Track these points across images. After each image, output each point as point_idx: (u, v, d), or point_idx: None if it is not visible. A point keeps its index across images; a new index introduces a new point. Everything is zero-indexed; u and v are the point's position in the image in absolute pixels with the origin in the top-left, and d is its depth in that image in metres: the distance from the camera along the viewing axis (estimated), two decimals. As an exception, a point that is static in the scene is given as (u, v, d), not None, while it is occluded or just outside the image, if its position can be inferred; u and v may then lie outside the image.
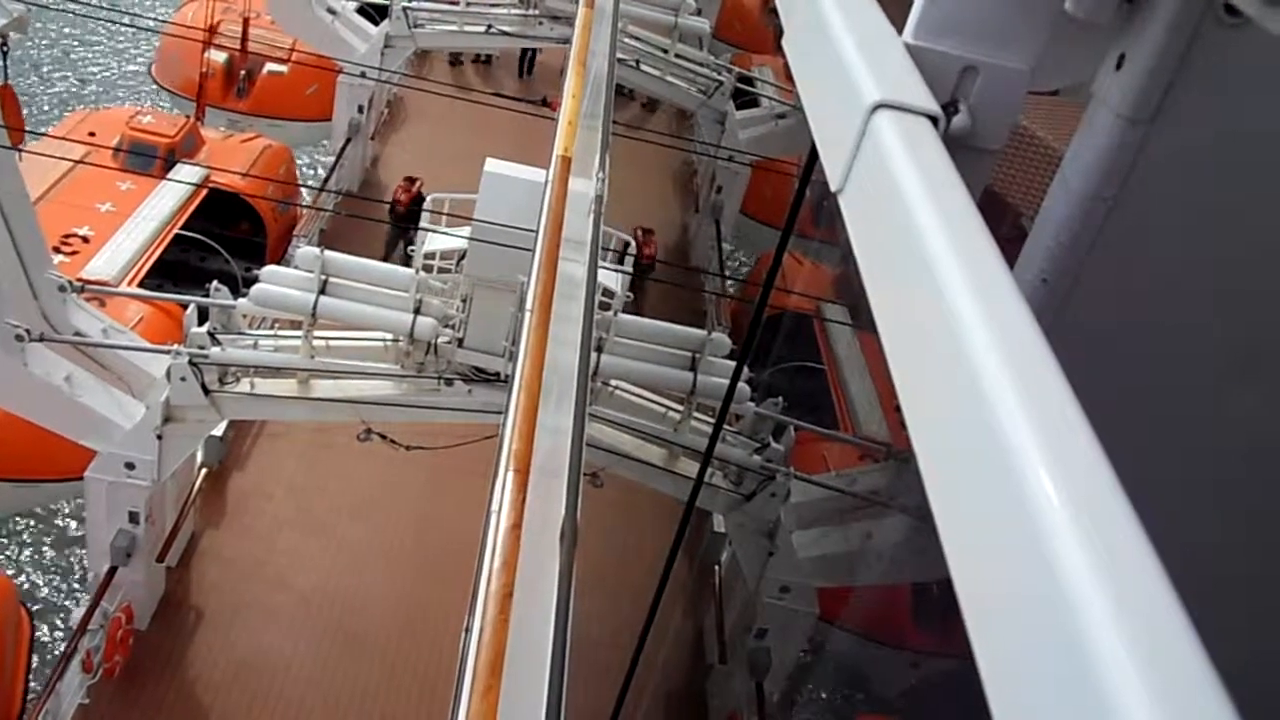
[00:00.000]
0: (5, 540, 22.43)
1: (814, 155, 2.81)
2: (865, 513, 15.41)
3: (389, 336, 14.24)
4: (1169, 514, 1.85)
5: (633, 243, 14.95)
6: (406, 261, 16.83)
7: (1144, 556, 1.36)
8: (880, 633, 19.40)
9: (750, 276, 29.50)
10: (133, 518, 15.06)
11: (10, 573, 21.49)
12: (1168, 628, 1.27)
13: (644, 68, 27.12)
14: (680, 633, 18.10)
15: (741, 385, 14.57)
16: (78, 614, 15.24)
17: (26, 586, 21.17)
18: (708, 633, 18.03)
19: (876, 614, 19.17)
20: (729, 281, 28.15)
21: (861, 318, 22.43)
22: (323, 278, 13.94)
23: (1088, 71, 3.01)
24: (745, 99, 29.37)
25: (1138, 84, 2.76)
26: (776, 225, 27.15)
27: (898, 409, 1.94)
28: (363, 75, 25.85)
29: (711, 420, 15.29)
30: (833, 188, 2.52)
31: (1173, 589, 1.32)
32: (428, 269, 14.26)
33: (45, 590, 21.60)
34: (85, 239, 21.63)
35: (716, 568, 18.72)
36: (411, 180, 24.84)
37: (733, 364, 14.73)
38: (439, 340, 13.95)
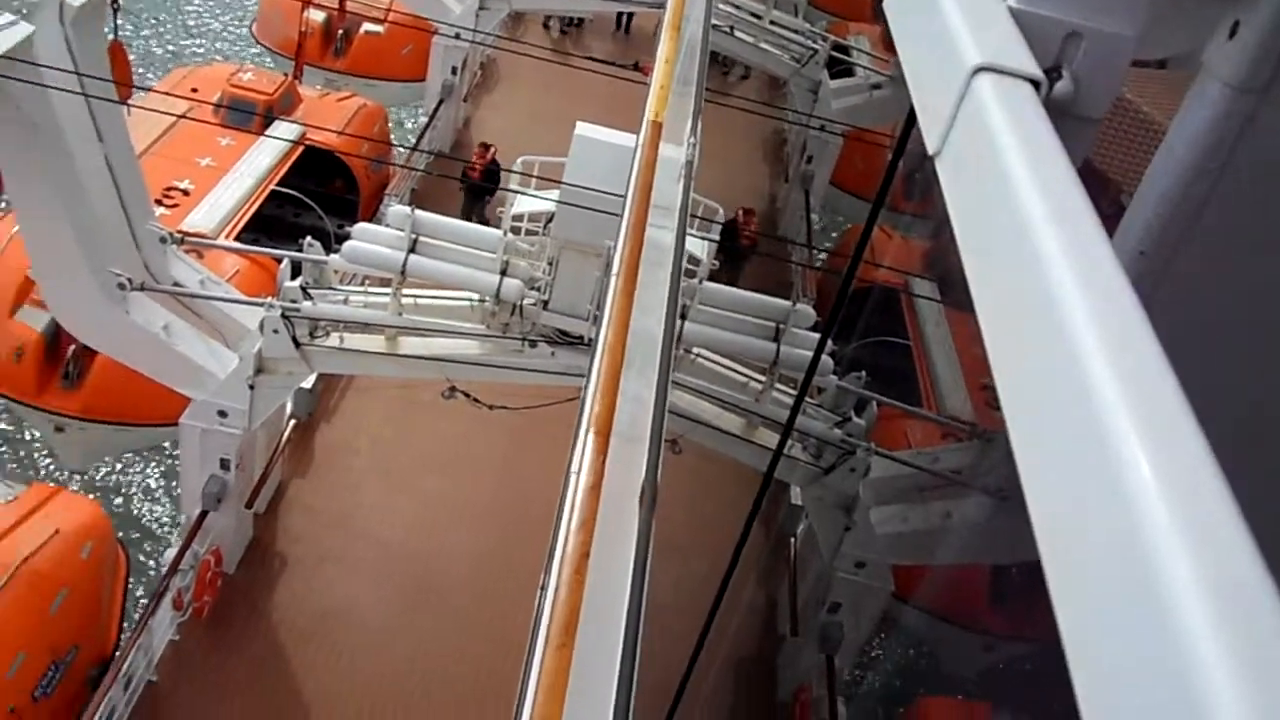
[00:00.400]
0: (118, 469, 23.27)
1: (910, 121, 2.75)
2: (945, 492, 15.23)
3: (475, 297, 14.36)
4: (1266, 497, 1.79)
5: (720, 210, 14.86)
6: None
7: (1241, 544, 1.32)
8: (955, 614, 19.22)
9: (838, 248, 29.20)
10: (224, 464, 15.47)
11: (118, 501, 22.32)
12: (1265, 618, 1.23)
13: (738, 34, 26.88)
14: (753, 602, 18.12)
15: (824, 358, 14.45)
16: (170, 554, 15.71)
17: (134, 514, 21.97)
18: (780, 604, 18.03)
19: (952, 594, 18.99)
20: (816, 253, 27.90)
21: (951, 294, 22.09)
22: (413, 236, 14.09)
23: (1196, 40, 2.91)
24: (840, 68, 28.96)
25: (1250, 54, 2.66)
26: (867, 197, 26.82)
27: (984, 387, 1.90)
28: (457, 36, 25.97)
29: (792, 392, 15.20)
30: (930, 150, 2.47)
31: (1270, 579, 1.27)
32: (515, 231, 14.33)
33: (147, 520, 22.41)
34: (186, 192, 22.10)
35: (792, 540, 18.68)
36: (486, 147, 24.90)
37: (816, 336, 14.62)
38: (524, 302, 14.04)
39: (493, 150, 24.57)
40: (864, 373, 15.62)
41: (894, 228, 24.81)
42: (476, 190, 23.98)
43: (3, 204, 20.08)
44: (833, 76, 28.14)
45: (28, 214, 13.67)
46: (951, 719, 17.10)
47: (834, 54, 28.15)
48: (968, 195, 2.29)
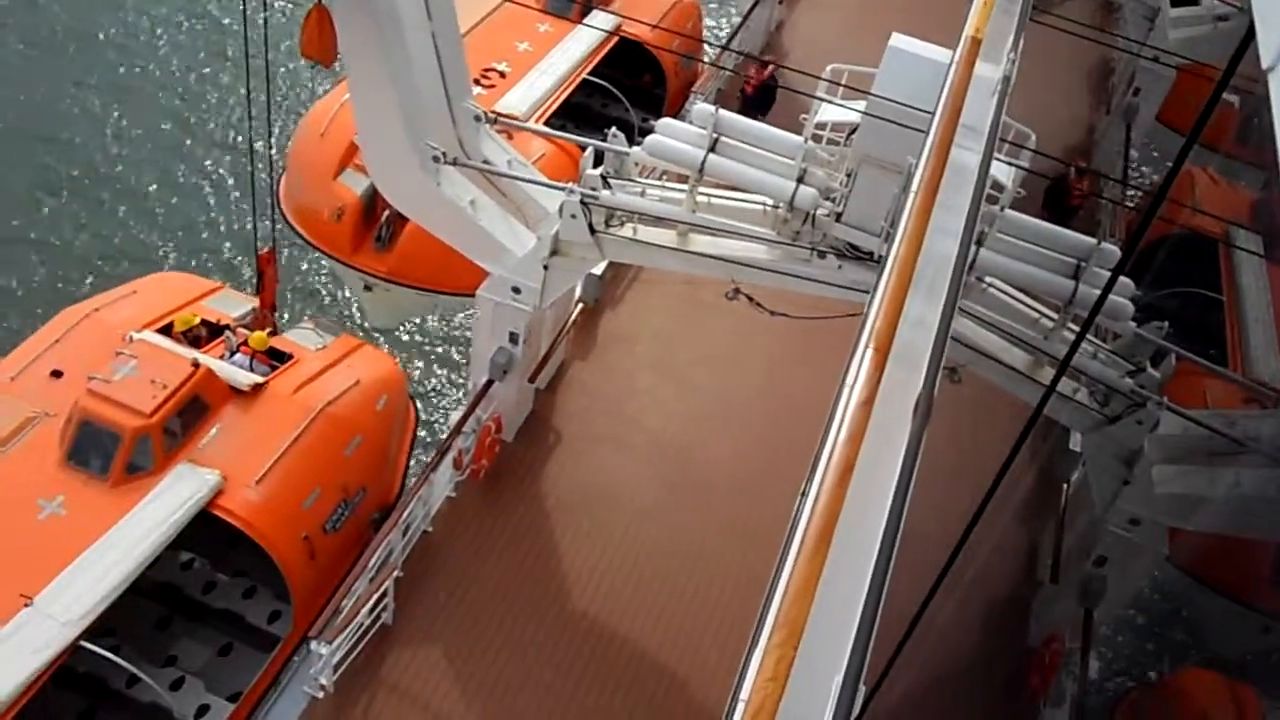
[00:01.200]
0: (416, 333, 24.93)
1: (1244, 44, 2.55)
2: (1238, 459, 14.25)
3: (769, 201, 14.33)
4: None
5: (1033, 137, 14.14)
6: None
7: None
8: (1233, 588, 18.12)
9: (1159, 190, 27.33)
10: (512, 338, 16.27)
11: (419, 364, 23.94)
12: None
13: (1076, -47, 25.24)
14: (1015, 544, 17.67)
15: (1124, 303, 13.66)
16: (455, 416, 16.72)
17: (423, 380, 23.52)
18: (1042, 549, 17.49)
19: (1232, 567, 17.90)
20: (1131, 192, 26.22)
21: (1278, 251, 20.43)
22: (714, 136, 14.15)
23: None
24: (1184, -5, 26.73)
25: None
26: (1203, 142, 24.86)
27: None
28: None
29: (1088, 335, 14.51)
30: (1264, 64, 2.29)
31: None
32: (817, 139, 14.15)
33: (434, 382, 23.96)
34: (502, 74, 22.94)
35: (1065, 486, 17.99)
36: (765, 64, 24.47)
37: (1124, 280, 13.82)
38: (817, 212, 13.90)
39: (770, 68, 24.21)
40: (1167, 323, 14.68)
41: (1221, 174, 23.01)
42: (751, 105, 23.74)
43: (334, 73, 21.42)
44: (1175, 3, 26.04)
45: (359, 84, 14.58)
46: (1214, 696, 16.24)
47: (1179, -21, 26.02)
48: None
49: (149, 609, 15.67)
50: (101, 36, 32.76)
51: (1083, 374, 14.10)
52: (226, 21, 33.32)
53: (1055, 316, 14.13)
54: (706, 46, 29.23)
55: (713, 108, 14.33)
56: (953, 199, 5.45)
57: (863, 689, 3.48)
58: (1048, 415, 15.17)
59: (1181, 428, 14.48)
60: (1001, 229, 13.56)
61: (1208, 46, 24.93)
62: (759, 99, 23.84)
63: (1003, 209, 13.49)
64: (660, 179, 16.36)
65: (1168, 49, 24.74)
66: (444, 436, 17.00)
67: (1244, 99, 22.22)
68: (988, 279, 13.99)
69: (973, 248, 12.69)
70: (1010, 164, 13.79)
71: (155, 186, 28.19)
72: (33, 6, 33.25)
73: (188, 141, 29.68)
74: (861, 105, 13.25)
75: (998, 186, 13.30)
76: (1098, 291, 13.44)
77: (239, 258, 26.13)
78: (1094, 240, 13.84)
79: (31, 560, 13.51)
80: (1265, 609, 17.63)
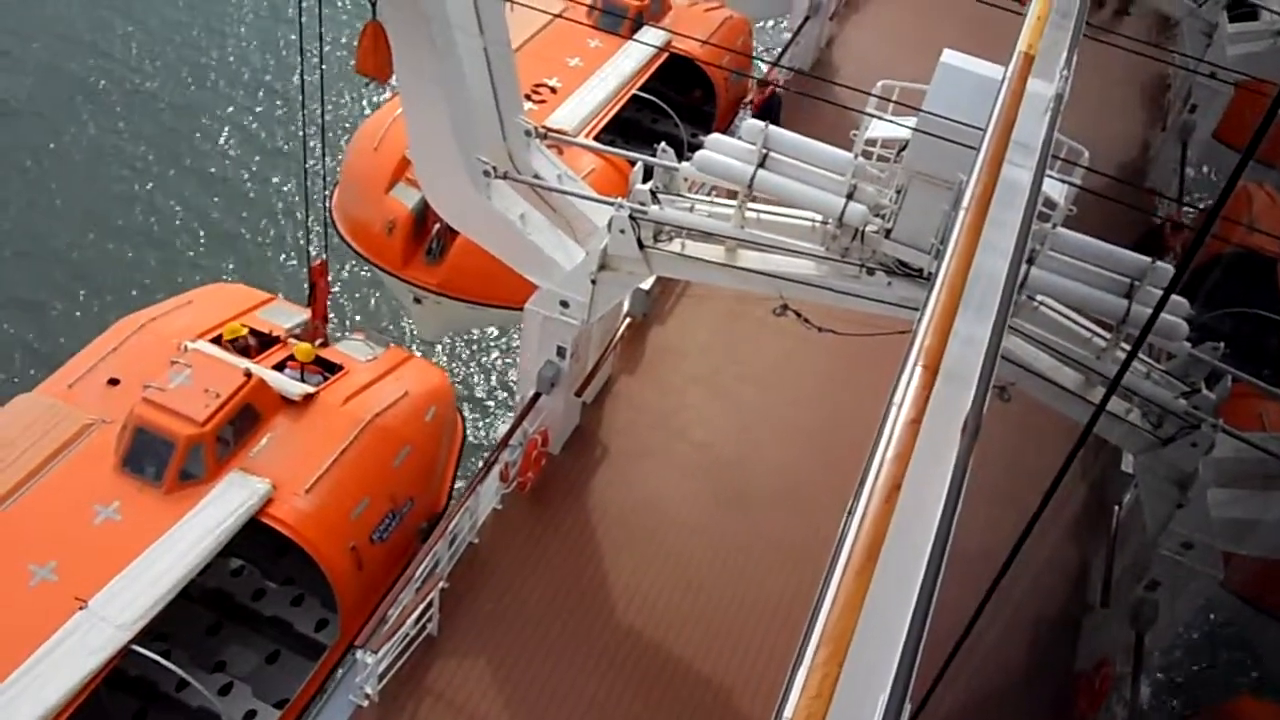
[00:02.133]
0: (464, 346, 25.09)
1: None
2: (1296, 483, 14.02)
3: (818, 217, 14.31)
4: None
5: (1086, 154, 14.02)
6: None
7: None
8: (1291, 616, 17.78)
9: (1213, 208, 26.92)
10: (560, 352, 16.34)
11: (468, 376, 24.07)
12: None
13: (1131, -34, 25.04)
14: (1065, 565, 17.47)
15: (1179, 322, 13.49)
16: (502, 429, 16.81)
17: (471, 392, 23.64)
18: (1094, 571, 17.27)
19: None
20: (1187, 210, 25.89)
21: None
22: (764, 151, 14.16)
23: None
24: (1242, 10, 26.38)
25: None
26: (1260, 159, 24.48)
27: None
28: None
29: (1142, 355, 14.34)
30: None
31: None
32: (867, 155, 14.12)
33: (481, 393, 24.08)
34: (553, 90, 23.08)
35: (1116, 508, 17.76)
36: (764, 85, 24.43)
37: (1178, 299, 13.64)
38: (867, 228, 13.85)
39: (770, 88, 24.21)
40: (1223, 344, 14.46)
41: (1282, 191, 22.67)
42: None
43: (389, 89, 21.67)
44: (1233, 19, 25.71)
45: (411, 98, 14.73)
46: (1269, 725, 15.95)
47: (1239, -8, 25.74)
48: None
49: (200, 614, 15.87)
50: (170, 50, 33.42)
51: (1136, 394, 13.93)
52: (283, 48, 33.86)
53: (1108, 336, 13.98)
54: (757, 63, 29.25)
55: (762, 123, 14.35)
56: (1004, 216, 5.42)
57: (908, 707, 3.47)
58: (1099, 436, 14.99)
59: (1237, 450, 14.25)
60: (1054, 247, 13.44)
61: (1268, 62, 24.56)
62: (762, 117, 23.85)
63: (1055, 226, 13.38)
64: (709, 194, 16.39)
65: (1225, 65, 24.41)
66: (491, 448, 17.09)
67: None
68: (1039, 297, 13.87)
69: (1024, 265, 12.59)
70: (1064, 181, 13.68)
71: (216, 198, 28.67)
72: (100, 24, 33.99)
73: (250, 155, 30.17)
74: (912, 121, 13.21)
75: (1050, 204, 13.19)
76: (1150, 311, 13.27)
77: (293, 268, 26.48)
78: (1148, 259, 13.68)
79: (87, 564, 13.74)
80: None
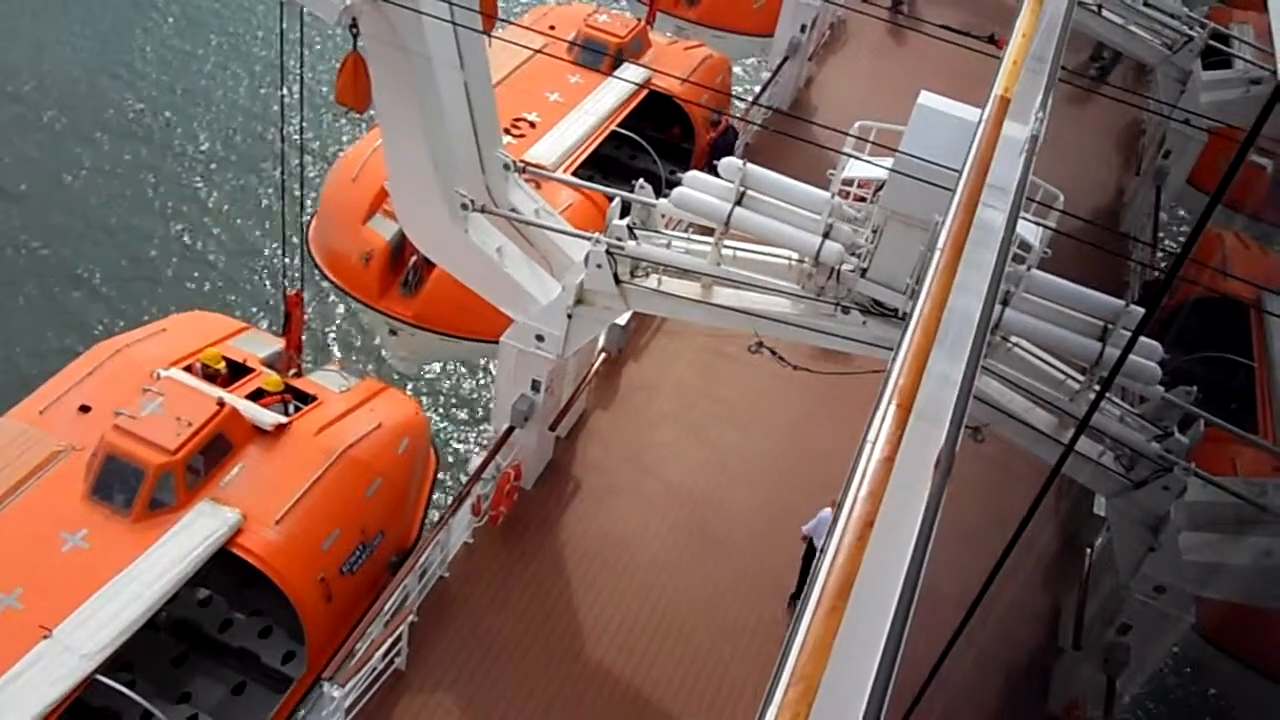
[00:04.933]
0: (438, 378, 24.97)
1: (1267, 110, 2.55)
2: (1270, 528, 14.08)
3: (794, 256, 14.37)
4: None
5: (1061, 197, 14.15)
6: None
7: None
8: (1265, 663, 17.77)
9: (1181, 251, 27.19)
10: (535, 385, 16.31)
11: (441, 409, 23.94)
12: None
13: (1105, 13, 25.35)
14: (1038, 607, 17.48)
15: (1151, 366, 13.59)
16: (475, 462, 16.74)
17: (445, 424, 23.54)
18: (1066, 614, 17.28)
19: (1264, 642, 17.56)
20: (1160, 255, 26.16)
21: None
22: (741, 189, 14.23)
23: None
24: (1216, 59, 26.79)
25: None
26: (1230, 202, 24.77)
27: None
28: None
29: (1114, 398, 14.43)
30: None
31: None
32: (844, 195, 14.20)
33: (454, 426, 23.96)
34: (533, 124, 23.15)
35: (1089, 551, 17.81)
36: (715, 124, 24.68)
37: (1151, 343, 13.76)
38: (843, 267, 13.92)
39: (724, 121, 24.40)
40: (1195, 388, 14.57)
41: (1253, 237, 22.92)
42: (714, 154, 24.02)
43: (368, 120, 21.71)
44: (1206, 67, 26.10)
45: (391, 130, 14.76)
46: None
47: (1211, 42, 26.09)
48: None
49: (166, 645, 15.66)
50: (147, 77, 33.38)
51: (1108, 436, 13.99)
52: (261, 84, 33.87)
53: (1081, 379, 14.06)
54: (735, 102, 29.46)
55: (740, 161, 14.42)
56: (979, 257, 5.46)
57: (879, 748, 3.44)
58: (1074, 480, 15.05)
59: (1209, 495, 14.32)
60: (1028, 289, 13.54)
61: (1240, 109, 24.92)
62: (717, 152, 24.18)
63: (1029, 268, 13.48)
64: (686, 231, 16.44)
65: (1199, 111, 24.75)
66: (464, 482, 17.02)
67: (1276, 163, 22.18)
68: (1013, 338, 13.95)
69: (998, 307, 12.67)
70: (1038, 224, 13.80)
71: (193, 226, 28.57)
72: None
73: (229, 184, 30.11)
74: (889, 162, 13.32)
75: (1025, 246, 13.30)
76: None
77: (271, 297, 26.37)
78: (1121, 302, 13.80)
79: (52, 592, 13.54)
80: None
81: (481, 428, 24.42)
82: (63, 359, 17.67)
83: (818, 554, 4.08)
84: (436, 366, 25.62)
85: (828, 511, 14.74)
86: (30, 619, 13.20)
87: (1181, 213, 30.20)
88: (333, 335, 26.25)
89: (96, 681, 13.07)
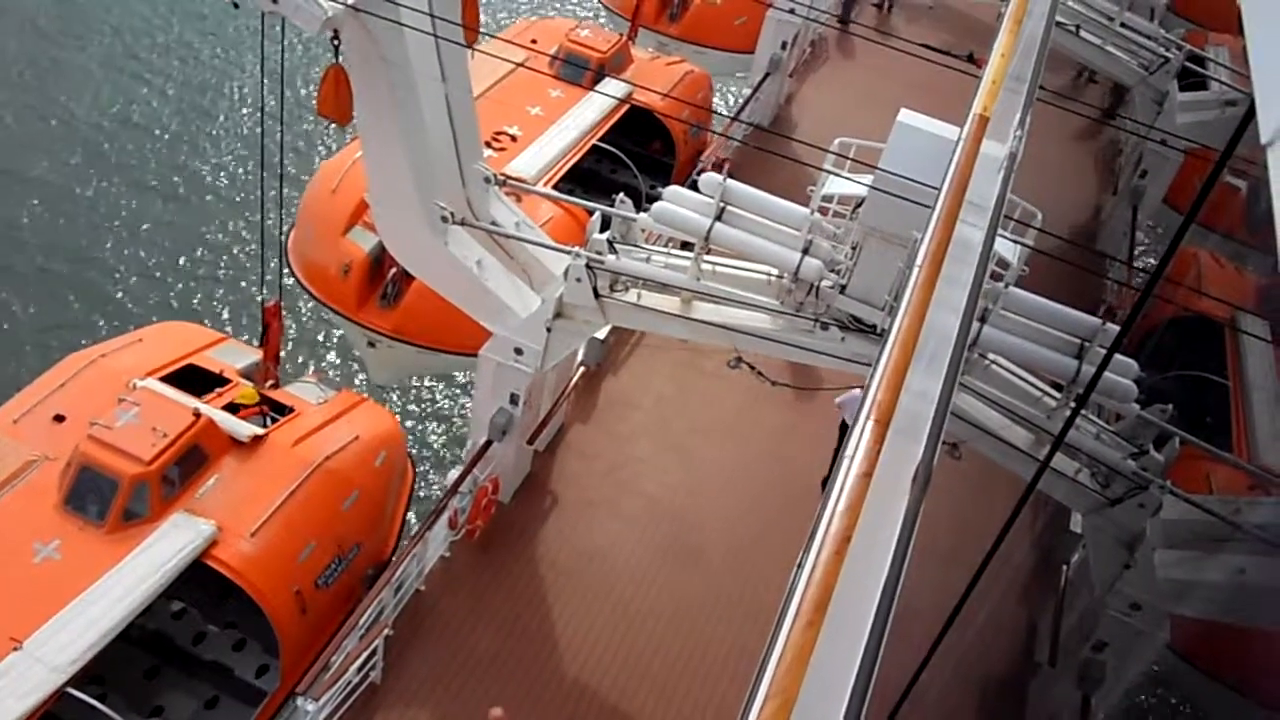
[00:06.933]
0: (416, 391, 24.86)
1: (1244, 122, 2.57)
2: (1244, 546, 14.15)
3: (774, 271, 14.41)
4: None
5: (1039, 216, 14.25)
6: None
7: None
8: (1239, 680, 17.83)
9: (1155, 270, 27.38)
10: (513, 399, 16.27)
11: (418, 422, 23.85)
12: None
13: (1084, 34, 25.58)
14: (1014, 624, 17.51)
15: (1127, 384, 13.67)
16: (453, 475, 16.68)
17: (422, 437, 23.41)
18: (1041, 631, 17.32)
19: (1238, 659, 17.63)
20: (1136, 273, 26.36)
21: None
22: (721, 204, 14.26)
23: None
24: (1192, 80, 27.08)
25: None
26: (1205, 222, 25.01)
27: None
28: (791, 11, 26.00)
29: (1091, 416, 14.50)
30: (1263, 139, 2.31)
31: None
32: (823, 211, 14.25)
33: (432, 439, 23.84)
34: (514, 138, 23.17)
35: (1065, 567, 17.86)
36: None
37: (1127, 361, 13.84)
38: (822, 283, 13.96)
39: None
40: (1171, 406, 14.67)
41: (1228, 257, 23.09)
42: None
43: (349, 132, 21.66)
44: (1183, 89, 26.38)
45: (371, 142, 14.72)
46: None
47: (1187, 64, 26.37)
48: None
49: (138, 658, 15.51)
50: (127, 87, 33.24)
51: (1084, 453, 14.06)
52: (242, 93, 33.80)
53: (1058, 396, 14.13)
54: (716, 117, 29.56)
55: (721, 176, 14.45)
56: (957, 274, 5.47)
57: (854, 764, 3.43)
58: (1051, 496, 15.10)
59: (1184, 512, 14.40)
60: (1006, 306, 13.60)
61: (1215, 130, 25.19)
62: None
63: (1007, 286, 13.55)
64: (666, 246, 16.46)
65: (1175, 132, 25.00)
66: (441, 495, 16.95)
67: (1249, 183, 22.38)
68: (991, 355, 14.01)
69: (975, 324, 12.72)
70: (1016, 241, 13.88)
71: (172, 235, 28.42)
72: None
73: (208, 193, 29.98)
74: (868, 179, 13.37)
75: (1003, 263, 13.37)
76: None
77: (251, 307, 26.25)
78: (1099, 320, 13.89)
79: (23, 603, 13.40)
80: (1268, 702, 17.36)
81: (460, 441, 24.35)
82: (38, 368, 17.51)
83: (795, 567, 4.10)
84: (414, 379, 25.54)
85: (857, 390, 14.60)
86: (0, 630, 13.07)
87: (1159, 230, 30.46)
88: (312, 347, 26.15)
89: (67, 694, 12.94)
